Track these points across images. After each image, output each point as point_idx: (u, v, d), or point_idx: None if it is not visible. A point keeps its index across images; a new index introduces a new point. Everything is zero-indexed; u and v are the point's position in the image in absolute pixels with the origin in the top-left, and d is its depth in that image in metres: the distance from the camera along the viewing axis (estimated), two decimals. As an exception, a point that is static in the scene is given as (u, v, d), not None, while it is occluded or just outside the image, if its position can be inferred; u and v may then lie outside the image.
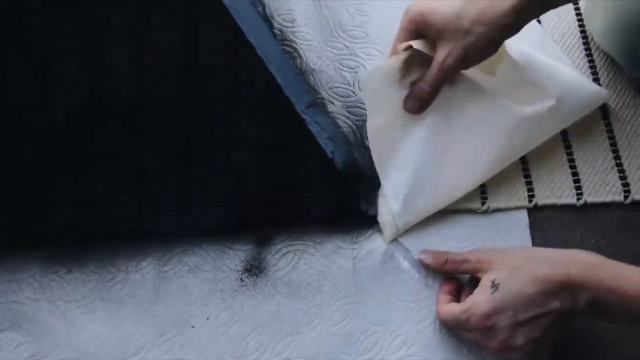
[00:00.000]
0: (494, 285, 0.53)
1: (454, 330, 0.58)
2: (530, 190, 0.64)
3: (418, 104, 0.60)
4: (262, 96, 0.66)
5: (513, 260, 0.55)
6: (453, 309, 0.56)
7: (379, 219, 0.62)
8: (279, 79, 0.66)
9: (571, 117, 0.66)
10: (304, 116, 0.65)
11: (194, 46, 0.67)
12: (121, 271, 0.61)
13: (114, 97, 0.65)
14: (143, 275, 0.61)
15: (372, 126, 0.61)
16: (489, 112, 0.62)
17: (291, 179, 0.63)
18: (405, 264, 0.61)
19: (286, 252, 0.62)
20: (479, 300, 0.54)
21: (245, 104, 0.66)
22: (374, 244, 0.62)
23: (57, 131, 0.63)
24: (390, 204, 0.62)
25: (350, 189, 0.63)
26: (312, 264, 0.61)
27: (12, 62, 0.64)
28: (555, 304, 0.52)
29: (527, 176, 0.65)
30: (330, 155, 0.64)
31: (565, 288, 0.51)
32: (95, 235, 0.62)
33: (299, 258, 0.62)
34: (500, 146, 0.63)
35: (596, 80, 0.69)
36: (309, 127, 0.65)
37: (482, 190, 0.64)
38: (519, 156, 0.65)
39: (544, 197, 0.64)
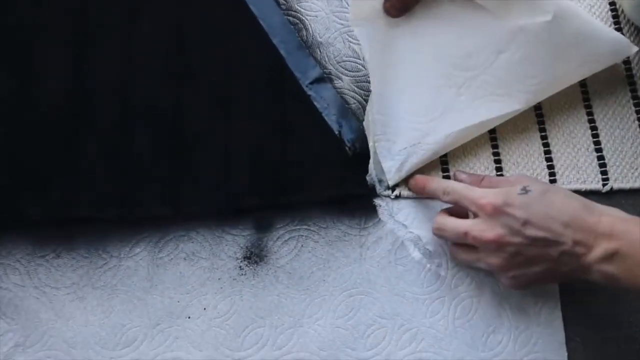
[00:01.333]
0: (524, 189, 0.51)
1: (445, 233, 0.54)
2: (552, 174, 0.60)
3: (399, 5, 0.58)
4: (263, 70, 0.62)
5: (552, 186, 0.54)
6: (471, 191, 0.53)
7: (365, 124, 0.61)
8: (282, 52, 0.63)
9: (586, 65, 0.60)
10: (309, 92, 0.62)
11: (191, 16, 0.63)
12: (113, 257, 0.58)
13: (104, 74, 0.61)
14: (136, 261, 0.57)
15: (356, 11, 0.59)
16: (479, 21, 0.59)
17: (295, 159, 0.60)
18: (416, 254, 0.57)
19: (288, 239, 0.58)
20: (504, 190, 0.51)
21: (245, 78, 0.61)
22: (382, 231, 0.58)
23: (44, 115, 0.60)
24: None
25: (360, 169, 0.59)
26: (316, 251, 0.58)
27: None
28: (568, 239, 0.49)
29: (548, 159, 0.61)
30: (338, 133, 0.60)
31: (589, 232, 0.49)
32: (83, 220, 0.58)
33: (302, 245, 0.58)
34: (490, 59, 0.59)
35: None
36: (315, 103, 0.61)
37: (499, 175, 0.60)
38: (526, 95, 0.59)
39: (566, 182, 0.60)
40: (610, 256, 0.48)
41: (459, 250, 0.55)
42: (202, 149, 0.59)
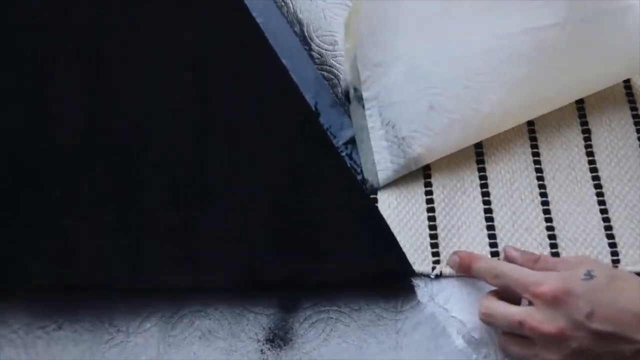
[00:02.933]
0: (589, 274, 0.45)
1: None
2: (615, 254, 0.53)
3: None
4: (294, 127, 0.57)
5: (619, 271, 0.49)
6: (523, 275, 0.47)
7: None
8: (315, 108, 0.59)
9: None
10: (343, 153, 0.57)
11: (218, 67, 0.59)
12: (121, 332, 0.52)
13: (110, 131, 0.57)
14: (146, 338, 0.52)
15: None
16: None
17: (325, 226, 0.54)
18: (460, 342, 0.51)
19: (316, 321, 0.52)
20: (565, 275, 0.46)
21: (273, 135, 0.57)
22: (421, 316, 0.52)
23: (44, 167, 0.56)
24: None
25: (396, 243, 0.54)
26: (347, 337, 0.51)
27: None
28: None
29: (609, 236, 0.54)
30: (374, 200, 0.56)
31: None
32: (87, 288, 0.53)
33: (331, 329, 0.51)
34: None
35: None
36: (349, 165, 0.57)
37: (554, 253, 0.54)
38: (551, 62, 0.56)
39: (630, 262, 0.53)
40: None
41: (511, 341, 0.49)
42: (217, 214, 0.54)
